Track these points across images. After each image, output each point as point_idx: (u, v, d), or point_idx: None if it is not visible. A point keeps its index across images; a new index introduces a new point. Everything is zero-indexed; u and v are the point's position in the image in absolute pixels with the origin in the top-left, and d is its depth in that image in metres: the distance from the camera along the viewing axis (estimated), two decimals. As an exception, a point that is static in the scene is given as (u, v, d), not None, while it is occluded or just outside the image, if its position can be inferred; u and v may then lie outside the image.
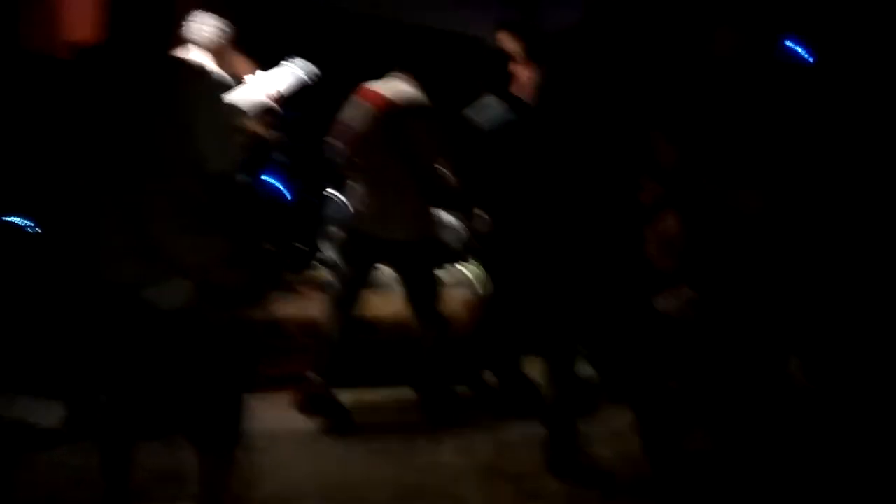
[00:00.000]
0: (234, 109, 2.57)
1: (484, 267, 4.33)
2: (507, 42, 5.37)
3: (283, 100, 4.78)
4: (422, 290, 3.87)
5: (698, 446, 3.23)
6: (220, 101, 2.57)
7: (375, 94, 3.78)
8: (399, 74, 3.85)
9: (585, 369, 3.91)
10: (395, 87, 3.81)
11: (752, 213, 3.05)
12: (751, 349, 3.36)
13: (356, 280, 3.84)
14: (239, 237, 2.50)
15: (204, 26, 4.49)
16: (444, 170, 3.90)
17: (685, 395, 3.61)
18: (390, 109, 3.73)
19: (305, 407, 3.76)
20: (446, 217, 5.51)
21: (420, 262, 3.86)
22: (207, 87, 2.47)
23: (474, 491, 3.17)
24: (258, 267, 4.87)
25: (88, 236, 2.47)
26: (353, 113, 3.78)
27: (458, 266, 5.43)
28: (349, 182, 3.91)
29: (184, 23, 4.45)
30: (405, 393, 4.03)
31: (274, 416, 3.73)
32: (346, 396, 4.04)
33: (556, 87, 3.23)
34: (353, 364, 4.19)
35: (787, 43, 4.06)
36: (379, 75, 3.94)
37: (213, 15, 4.55)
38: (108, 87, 2.42)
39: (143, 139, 2.38)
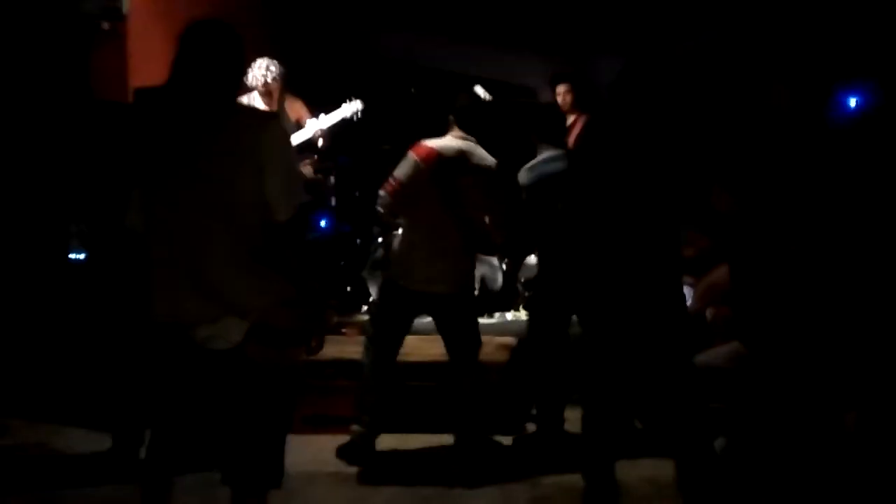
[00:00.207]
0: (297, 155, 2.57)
1: (530, 314, 4.29)
2: (561, 93, 5.43)
3: (327, 137, 4.88)
4: (462, 340, 3.84)
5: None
6: (287, 146, 2.57)
7: (423, 146, 3.80)
8: (457, 132, 3.85)
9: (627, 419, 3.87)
10: (445, 141, 3.83)
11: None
12: (806, 402, 3.27)
13: (396, 330, 3.84)
14: (298, 280, 2.49)
15: (261, 67, 4.65)
16: (492, 221, 3.91)
17: (734, 452, 3.52)
18: (436, 161, 3.75)
19: (343, 452, 3.75)
20: (495, 265, 5.53)
21: (460, 313, 3.84)
22: (275, 133, 2.46)
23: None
24: (309, 308, 4.91)
25: (146, 275, 2.48)
26: (402, 166, 3.81)
27: (506, 314, 5.43)
28: (393, 233, 3.92)
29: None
30: (445, 439, 3.96)
31: (310, 456, 3.74)
32: (387, 440, 4.02)
33: (595, 137, 3.22)
34: (394, 408, 4.20)
35: (844, 97, 4.02)
36: (435, 125, 3.97)
37: (268, 60, 4.72)
38: (174, 128, 2.43)
39: (208, 181, 2.38)
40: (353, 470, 3.71)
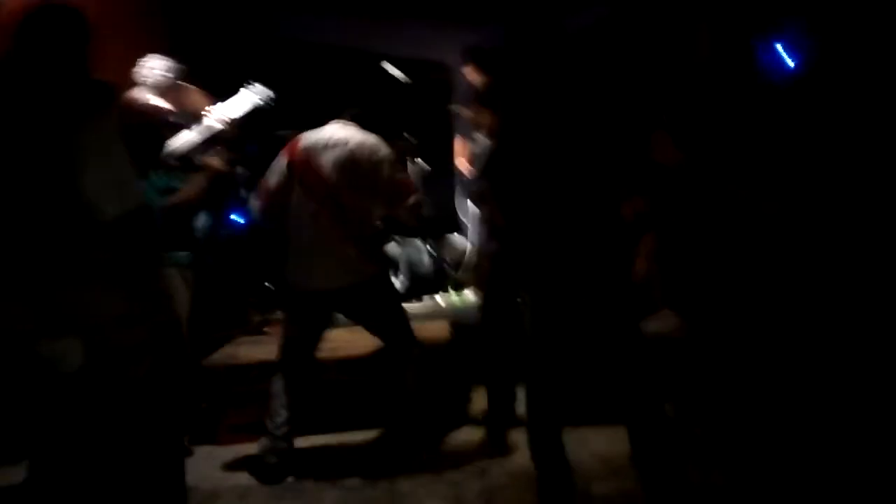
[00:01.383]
0: (125, 152, 2.33)
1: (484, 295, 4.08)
2: (468, 73, 5.23)
3: (236, 127, 4.60)
4: (383, 330, 3.65)
5: (707, 479, 3.03)
6: (110, 139, 2.31)
7: (292, 143, 3.64)
8: (342, 121, 3.67)
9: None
10: (315, 133, 3.64)
11: (770, 217, 2.87)
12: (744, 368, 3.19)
13: (307, 337, 3.59)
14: (134, 290, 2.26)
15: (152, 68, 4.39)
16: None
17: (684, 421, 3.43)
18: (300, 155, 3.58)
19: (253, 468, 3.48)
20: (420, 247, 5.34)
21: (370, 302, 3.60)
22: (97, 125, 2.26)
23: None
24: (220, 309, 4.64)
25: None
26: (272, 167, 3.65)
27: (436, 296, 5.25)
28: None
29: (136, 66, 4.36)
30: (387, 435, 3.78)
31: (238, 466, 3.51)
32: (321, 441, 3.81)
33: (518, 110, 3.05)
34: (324, 407, 3.96)
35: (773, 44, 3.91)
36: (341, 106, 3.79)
37: (162, 56, 4.45)
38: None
39: (31, 179, 2.19)
40: (288, 476, 3.45)
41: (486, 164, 3.29)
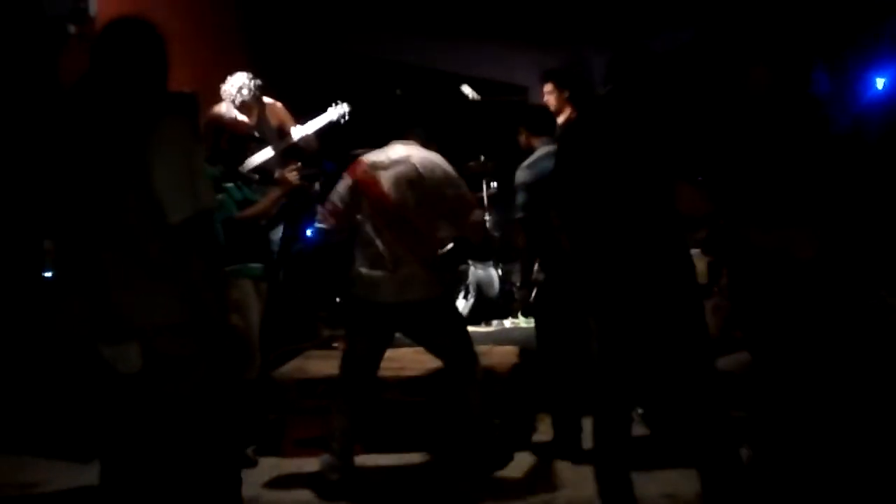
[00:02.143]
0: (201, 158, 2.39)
1: (536, 321, 4.05)
2: (546, 93, 5.22)
3: (313, 142, 4.67)
4: (451, 349, 3.63)
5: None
6: (182, 142, 2.34)
7: (354, 163, 3.68)
8: (403, 140, 3.71)
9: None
10: (377, 153, 3.68)
11: (806, 259, 2.75)
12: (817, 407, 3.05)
13: (369, 354, 3.60)
14: (196, 296, 2.28)
15: (236, 85, 4.51)
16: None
17: (759, 465, 3.31)
18: (364, 173, 3.61)
19: (317, 484, 3.50)
20: (491, 271, 5.31)
21: (434, 320, 3.62)
22: (167, 128, 2.29)
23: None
24: (290, 323, 4.69)
25: (57, 288, 2.37)
26: (337, 188, 3.68)
27: (505, 321, 5.21)
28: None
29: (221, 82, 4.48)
30: (450, 459, 3.75)
31: (303, 481, 3.52)
32: (384, 460, 3.80)
33: (588, 133, 3.03)
34: (393, 427, 3.96)
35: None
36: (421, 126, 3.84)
37: (245, 72, 4.57)
38: (76, 132, 2.32)
39: (98, 184, 2.26)
40: (348, 494, 3.45)
41: (553, 192, 3.25)
